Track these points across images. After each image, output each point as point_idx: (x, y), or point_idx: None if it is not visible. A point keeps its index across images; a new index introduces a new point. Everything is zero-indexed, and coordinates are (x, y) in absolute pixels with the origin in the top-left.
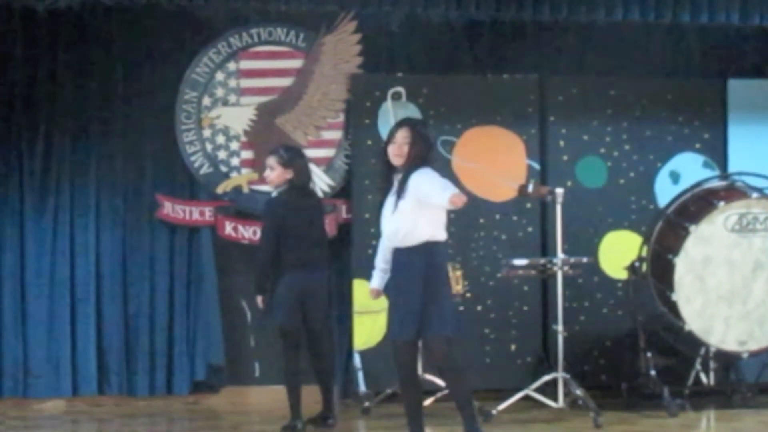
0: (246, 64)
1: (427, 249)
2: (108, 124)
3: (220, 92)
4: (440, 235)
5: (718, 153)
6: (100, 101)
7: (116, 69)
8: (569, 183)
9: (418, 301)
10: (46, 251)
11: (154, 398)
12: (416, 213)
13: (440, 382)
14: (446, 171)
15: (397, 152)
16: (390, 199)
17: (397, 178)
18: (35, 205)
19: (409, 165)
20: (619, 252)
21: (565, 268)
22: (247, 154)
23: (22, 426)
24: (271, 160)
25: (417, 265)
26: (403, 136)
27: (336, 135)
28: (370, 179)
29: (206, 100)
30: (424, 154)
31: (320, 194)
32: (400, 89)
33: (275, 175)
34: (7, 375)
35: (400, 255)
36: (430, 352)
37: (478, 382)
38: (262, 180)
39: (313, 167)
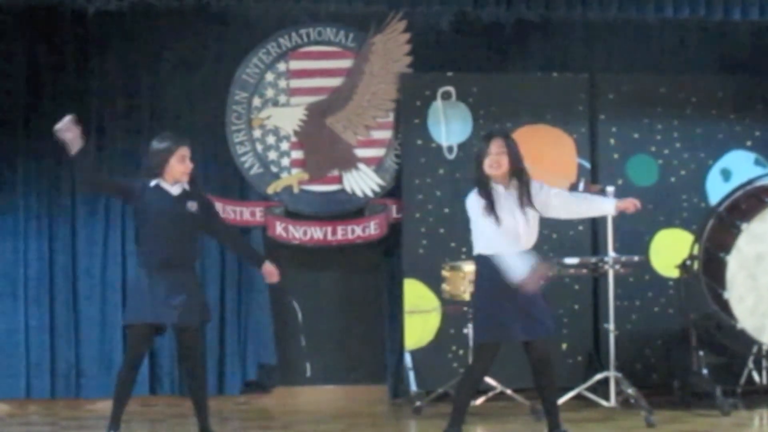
0: (296, 65)
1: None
2: (159, 125)
3: (270, 93)
4: None
5: None
6: (150, 102)
7: (166, 70)
8: (620, 181)
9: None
10: (97, 252)
11: None
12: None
13: (492, 381)
14: None
15: (494, 164)
16: (507, 207)
17: (502, 188)
18: (87, 207)
19: (518, 177)
20: (671, 250)
21: (617, 266)
22: (297, 155)
23: (75, 426)
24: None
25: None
26: (497, 146)
27: (386, 134)
28: (420, 178)
29: (256, 101)
30: (522, 163)
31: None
32: (450, 88)
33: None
34: (60, 376)
35: None
36: (540, 353)
37: (530, 381)
38: (312, 180)
39: (362, 167)
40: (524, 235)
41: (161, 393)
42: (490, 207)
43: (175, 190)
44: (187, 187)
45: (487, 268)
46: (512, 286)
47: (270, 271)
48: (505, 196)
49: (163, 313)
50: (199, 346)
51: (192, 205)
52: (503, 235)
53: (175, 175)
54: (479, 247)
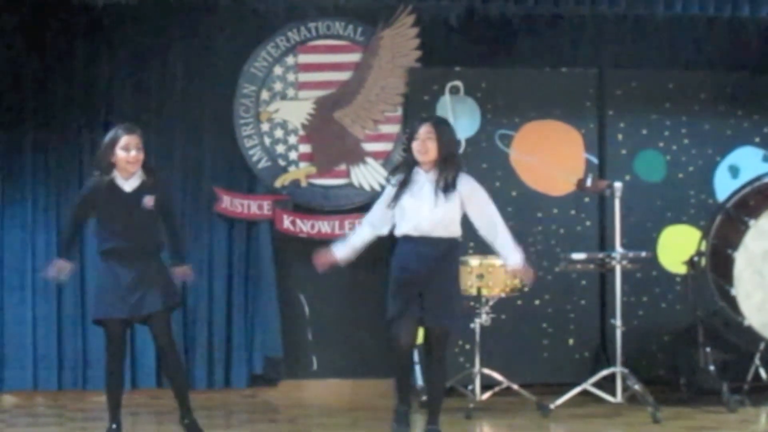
0: (304, 58)
1: (456, 245)
2: (166, 118)
3: (278, 86)
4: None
5: None
6: (158, 95)
7: (175, 63)
8: (628, 177)
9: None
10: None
11: (212, 391)
12: (455, 212)
13: (498, 376)
14: (504, 164)
15: (420, 148)
16: (423, 193)
17: (424, 174)
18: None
19: (443, 165)
20: (678, 246)
21: (624, 262)
22: (305, 148)
23: (82, 418)
24: (139, 140)
25: (449, 257)
26: (425, 131)
27: (394, 129)
28: None
29: (265, 94)
30: (453, 152)
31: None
32: (458, 83)
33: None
34: (67, 367)
35: (430, 245)
36: (436, 340)
37: (536, 376)
38: (320, 174)
39: (370, 161)
40: (427, 222)
41: (168, 386)
42: (399, 189)
43: (129, 186)
44: (145, 178)
45: (398, 249)
46: (414, 272)
47: (182, 272)
48: (423, 181)
49: (122, 306)
50: (167, 331)
51: (148, 200)
52: (406, 219)
53: (121, 164)
54: (395, 230)
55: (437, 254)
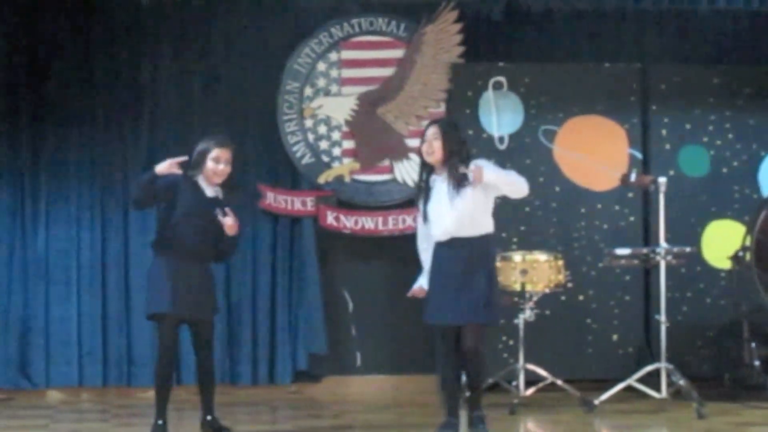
0: (347, 54)
1: (488, 240)
2: (210, 114)
3: (321, 82)
4: (492, 226)
5: None
6: (202, 92)
7: (218, 59)
8: (671, 172)
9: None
10: (149, 241)
11: (256, 387)
12: (479, 204)
13: (542, 372)
14: (548, 160)
15: (427, 150)
16: (441, 197)
17: (438, 178)
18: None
19: (451, 162)
20: (723, 241)
21: (668, 257)
22: (348, 144)
23: (126, 414)
24: (230, 155)
25: (482, 253)
26: (431, 133)
27: None
28: None
29: (308, 91)
30: (458, 150)
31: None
32: (502, 79)
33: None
34: (112, 364)
35: (459, 246)
36: (471, 335)
37: (580, 372)
38: (363, 170)
39: (413, 157)
40: (451, 224)
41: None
42: (422, 200)
43: (209, 192)
44: (220, 195)
45: (433, 256)
46: (449, 274)
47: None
48: (439, 185)
49: (180, 305)
50: (211, 336)
51: (220, 213)
52: (432, 226)
53: (208, 174)
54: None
55: (469, 254)
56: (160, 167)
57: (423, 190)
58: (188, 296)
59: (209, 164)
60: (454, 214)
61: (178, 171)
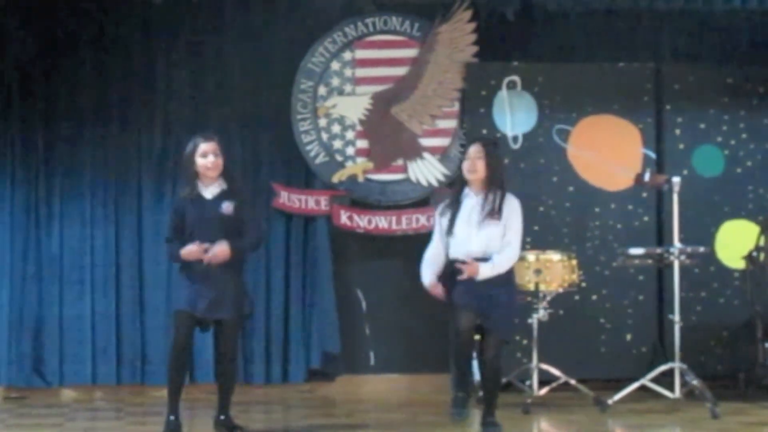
0: (361, 54)
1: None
2: (224, 113)
3: (335, 82)
4: None
5: None
6: (215, 91)
7: (232, 59)
8: (685, 172)
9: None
10: (162, 240)
11: (270, 386)
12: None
13: (556, 372)
14: (561, 160)
15: (470, 167)
16: (471, 218)
17: (474, 197)
18: (153, 194)
19: (490, 186)
20: (736, 241)
21: (682, 257)
22: (362, 144)
23: (140, 413)
24: (216, 146)
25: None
26: (475, 151)
27: (451, 124)
28: None
29: (322, 90)
30: (501, 174)
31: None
32: (516, 78)
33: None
34: (126, 362)
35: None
36: (492, 347)
37: (593, 372)
38: (377, 169)
39: (427, 156)
40: (477, 247)
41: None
42: (450, 214)
43: (210, 193)
44: (225, 185)
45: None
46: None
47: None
48: (472, 204)
49: (195, 305)
50: (233, 338)
51: (227, 207)
52: (454, 245)
53: (202, 171)
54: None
55: (492, 278)
56: (185, 253)
57: (454, 203)
58: (207, 297)
59: (199, 161)
60: (484, 238)
61: (203, 257)
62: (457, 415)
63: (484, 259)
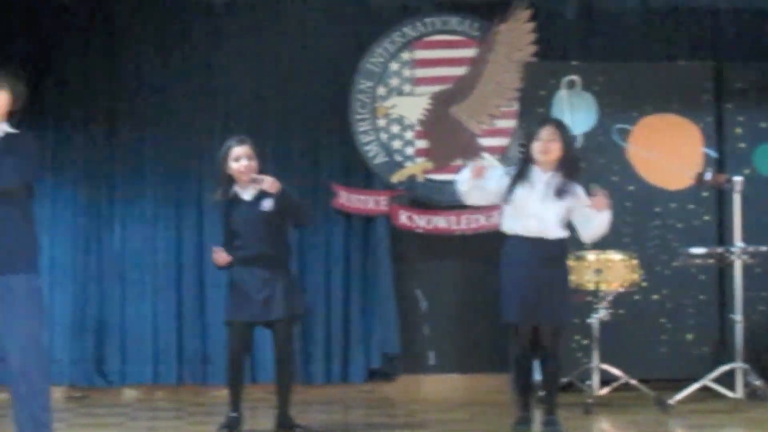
0: (420, 54)
1: (565, 244)
2: (284, 113)
3: (394, 82)
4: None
5: None
6: (275, 91)
7: (291, 59)
8: (747, 171)
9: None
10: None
11: (330, 386)
12: (563, 215)
13: (617, 372)
14: (621, 159)
15: (543, 149)
16: (534, 193)
17: (541, 173)
18: (213, 194)
19: (563, 168)
20: None
21: (744, 257)
22: (421, 144)
23: (201, 413)
24: (250, 150)
25: (559, 256)
26: (549, 132)
27: (510, 124)
28: None
29: (381, 90)
30: (574, 156)
31: None
32: (575, 77)
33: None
34: (187, 362)
35: (539, 246)
36: (549, 337)
37: (655, 372)
38: (436, 169)
39: (486, 156)
40: (536, 223)
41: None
42: (513, 183)
43: (248, 195)
44: (263, 187)
45: (508, 247)
46: (526, 273)
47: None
48: (542, 182)
49: (246, 310)
50: (288, 338)
51: (266, 204)
52: (517, 217)
53: (236, 175)
54: (503, 225)
55: (547, 255)
56: (216, 262)
57: (520, 173)
58: (257, 300)
59: (233, 165)
60: (546, 216)
61: (225, 258)
62: None
63: (543, 240)
